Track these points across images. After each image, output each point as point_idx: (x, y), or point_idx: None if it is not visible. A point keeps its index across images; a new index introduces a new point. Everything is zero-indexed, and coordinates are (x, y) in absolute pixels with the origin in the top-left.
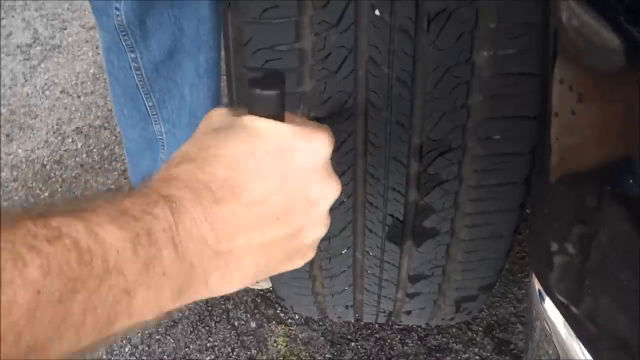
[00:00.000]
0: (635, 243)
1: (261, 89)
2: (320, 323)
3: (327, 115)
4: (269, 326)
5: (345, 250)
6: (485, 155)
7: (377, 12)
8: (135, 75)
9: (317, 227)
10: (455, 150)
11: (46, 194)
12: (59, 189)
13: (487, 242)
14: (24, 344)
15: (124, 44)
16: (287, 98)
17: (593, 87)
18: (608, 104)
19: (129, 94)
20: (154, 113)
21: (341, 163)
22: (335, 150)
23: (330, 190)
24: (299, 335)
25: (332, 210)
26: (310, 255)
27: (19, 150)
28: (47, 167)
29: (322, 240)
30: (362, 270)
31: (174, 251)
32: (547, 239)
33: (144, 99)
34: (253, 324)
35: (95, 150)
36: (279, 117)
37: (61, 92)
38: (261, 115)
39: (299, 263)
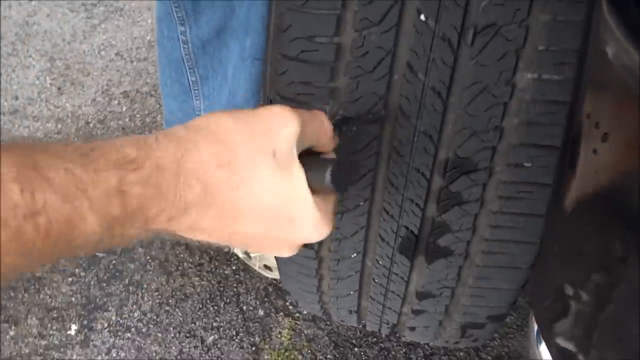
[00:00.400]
0: None
1: (333, 177)
2: (327, 322)
3: (355, 115)
4: (276, 317)
5: (355, 255)
6: (512, 181)
7: (422, 17)
8: (182, 49)
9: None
10: (481, 171)
11: None
12: None
13: (502, 271)
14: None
15: (175, 15)
16: (317, 92)
17: (620, 129)
18: (632, 150)
19: (173, 65)
20: (195, 88)
21: (362, 166)
22: (359, 152)
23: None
24: (305, 330)
25: (348, 211)
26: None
27: (67, 105)
28: (91, 125)
29: (333, 241)
30: (369, 277)
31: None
32: (561, 281)
33: (188, 73)
34: (261, 312)
35: (138, 115)
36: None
37: (116, 54)
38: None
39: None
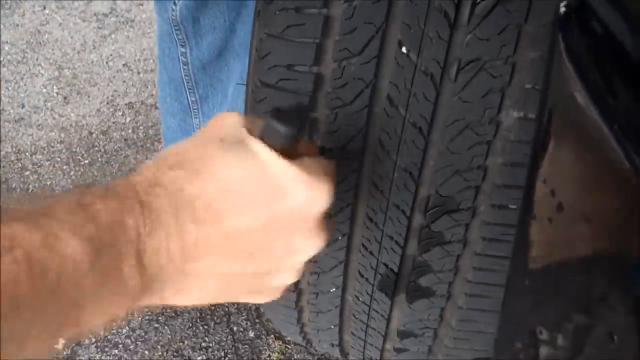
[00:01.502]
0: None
1: (281, 122)
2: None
3: (334, 147)
4: (267, 339)
5: (334, 289)
6: (497, 223)
7: (403, 49)
8: (182, 69)
9: (288, 273)
10: (464, 211)
11: (86, 162)
12: (100, 159)
13: (486, 315)
14: None
15: (175, 37)
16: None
17: (577, 200)
18: (588, 224)
19: (173, 84)
20: (194, 108)
21: (340, 199)
22: (336, 184)
23: (312, 246)
24: (295, 355)
25: (326, 245)
26: (274, 296)
27: (72, 114)
28: (94, 135)
29: (312, 274)
30: (350, 313)
31: (136, 263)
32: (532, 324)
33: (187, 93)
34: (251, 333)
35: (141, 127)
36: (290, 151)
37: (123, 65)
38: (272, 146)
39: (260, 300)
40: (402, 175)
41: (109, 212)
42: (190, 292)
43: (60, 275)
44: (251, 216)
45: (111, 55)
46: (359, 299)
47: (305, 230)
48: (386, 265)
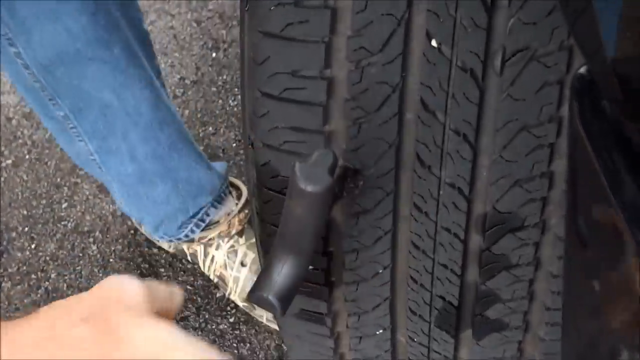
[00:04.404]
0: None
1: None
2: None
3: (361, 167)
4: None
5: (382, 331)
6: None
7: (433, 43)
8: (27, 73)
9: None
10: (531, 228)
11: (9, 162)
12: (27, 155)
13: None
14: None
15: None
16: (311, 137)
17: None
18: None
19: (30, 94)
20: (71, 127)
21: (376, 227)
22: (369, 212)
23: None
24: None
25: (364, 281)
26: None
27: None
28: (13, 122)
29: (350, 315)
30: (405, 355)
31: None
32: (612, 344)
33: (52, 106)
34: None
35: None
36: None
37: None
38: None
39: None
40: (449, 192)
41: None
42: None
43: None
44: None
45: None
46: (414, 340)
47: None
48: (443, 299)
